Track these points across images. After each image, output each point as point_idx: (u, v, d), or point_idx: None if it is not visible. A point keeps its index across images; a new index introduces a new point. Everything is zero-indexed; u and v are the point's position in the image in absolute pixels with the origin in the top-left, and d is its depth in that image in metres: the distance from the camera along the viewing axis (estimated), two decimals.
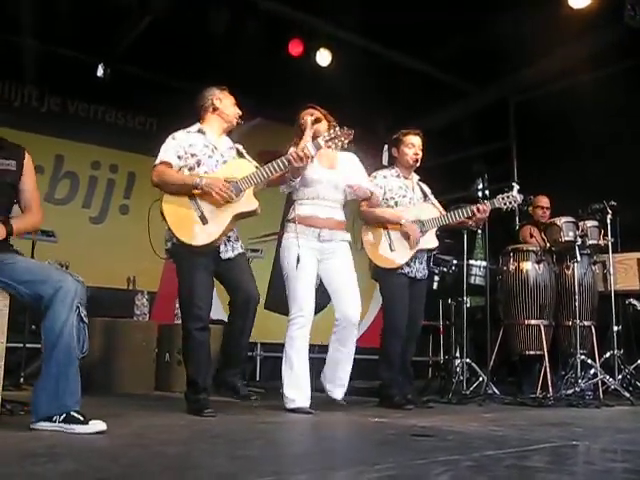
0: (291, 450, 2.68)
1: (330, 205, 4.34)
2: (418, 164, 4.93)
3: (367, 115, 8.70)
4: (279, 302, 8.42)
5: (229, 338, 4.06)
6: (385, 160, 5.11)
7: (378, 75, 7.90)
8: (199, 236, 3.87)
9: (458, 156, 8.71)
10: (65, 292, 2.86)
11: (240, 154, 4.16)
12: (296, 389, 4.12)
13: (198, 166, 3.99)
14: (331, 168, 4.38)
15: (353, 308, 4.40)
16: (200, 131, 4.11)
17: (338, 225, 4.37)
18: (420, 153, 4.90)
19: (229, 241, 4.03)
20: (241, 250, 4.13)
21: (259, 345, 8.09)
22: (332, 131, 3.98)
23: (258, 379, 7.96)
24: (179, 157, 3.99)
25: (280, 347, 8.18)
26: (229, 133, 4.27)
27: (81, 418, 2.81)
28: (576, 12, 6.44)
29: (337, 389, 4.48)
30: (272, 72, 7.46)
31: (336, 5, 6.65)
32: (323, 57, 7.45)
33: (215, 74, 6.84)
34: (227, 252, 4.00)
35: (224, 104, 4.16)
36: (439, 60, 7.78)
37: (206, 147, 4.04)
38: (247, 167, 4.00)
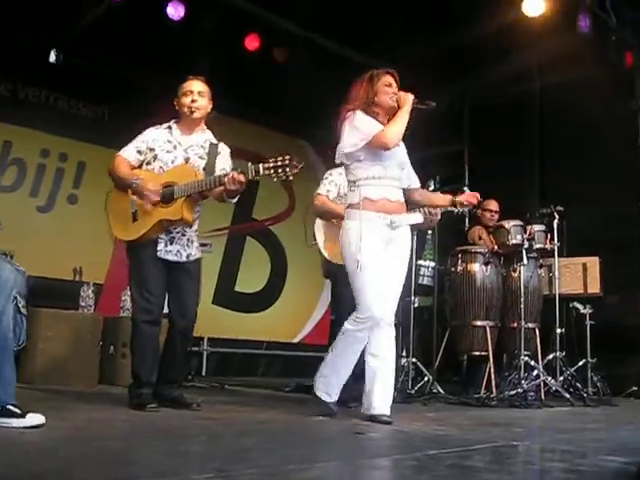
0: (234, 447, 2.66)
1: (397, 185, 3.83)
2: None
3: (322, 114, 8.71)
4: (227, 297, 8.45)
5: (164, 355, 4.03)
6: (338, 159, 5.11)
7: (335, 74, 7.90)
8: (126, 232, 3.98)
9: (412, 157, 8.75)
10: (3, 281, 2.78)
11: (214, 152, 4.05)
12: (331, 387, 3.86)
13: (154, 160, 4.01)
14: None
15: (388, 307, 3.78)
16: (169, 127, 4.11)
17: (404, 208, 3.87)
18: None
19: (173, 242, 3.97)
20: (197, 255, 4.09)
21: (206, 340, 8.06)
22: (280, 158, 3.65)
23: (204, 374, 7.90)
24: (139, 152, 4.04)
25: (228, 342, 8.27)
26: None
27: (18, 411, 2.74)
28: (531, 20, 6.56)
29: (383, 404, 3.76)
30: (228, 65, 7.42)
31: (294, 2, 6.65)
32: (280, 53, 7.45)
33: (170, 65, 6.80)
34: (169, 253, 3.95)
35: (179, 100, 4.08)
36: (396, 61, 7.80)
37: (168, 143, 4.04)
38: (189, 175, 3.91)
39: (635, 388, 6.60)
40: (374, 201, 3.70)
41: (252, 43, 7.39)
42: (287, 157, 3.65)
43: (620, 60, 7.61)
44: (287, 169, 3.63)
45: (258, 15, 7.12)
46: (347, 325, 3.75)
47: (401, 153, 3.88)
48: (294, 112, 8.47)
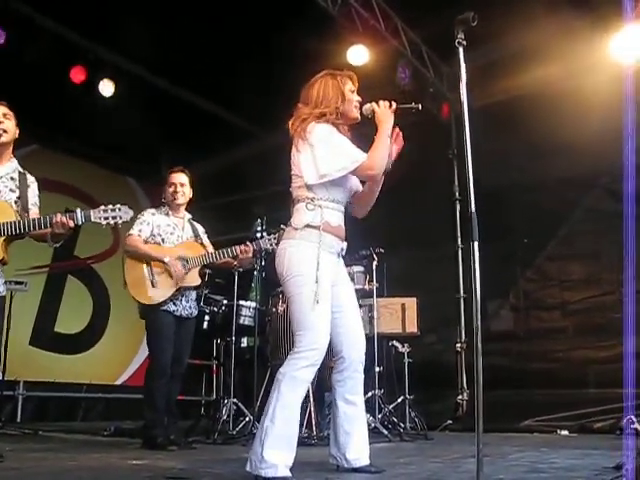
0: None
1: (343, 211, 3.39)
2: (180, 201, 4.99)
3: (151, 152, 8.63)
4: (46, 338, 8.05)
5: None
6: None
7: (164, 111, 7.88)
8: None
9: (240, 197, 8.84)
10: None
11: (24, 183, 3.88)
12: (280, 451, 2.98)
13: None
14: None
15: (360, 347, 3.54)
16: None
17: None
18: (181, 190, 4.97)
19: None
20: (3, 293, 3.89)
21: (22, 383, 7.67)
22: (111, 206, 3.61)
23: (19, 420, 7.47)
24: None
25: (46, 385, 7.84)
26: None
27: None
28: (354, 69, 6.83)
29: (364, 453, 3.50)
30: (52, 97, 7.20)
31: (124, 37, 6.59)
32: (106, 87, 7.32)
33: None
34: None
35: None
36: (225, 101, 7.90)
37: None
38: (8, 213, 3.72)
39: (450, 422, 6.94)
40: (334, 227, 3.26)
41: (78, 75, 7.21)
42: (118, 206, 3.62)
43: (437, 111, 8.15)
44: (117, 218, 3.59)
45: (85, 47, 6.99)
46: (282, 368, 3.14)
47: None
48: (121, 149, 8.33)
